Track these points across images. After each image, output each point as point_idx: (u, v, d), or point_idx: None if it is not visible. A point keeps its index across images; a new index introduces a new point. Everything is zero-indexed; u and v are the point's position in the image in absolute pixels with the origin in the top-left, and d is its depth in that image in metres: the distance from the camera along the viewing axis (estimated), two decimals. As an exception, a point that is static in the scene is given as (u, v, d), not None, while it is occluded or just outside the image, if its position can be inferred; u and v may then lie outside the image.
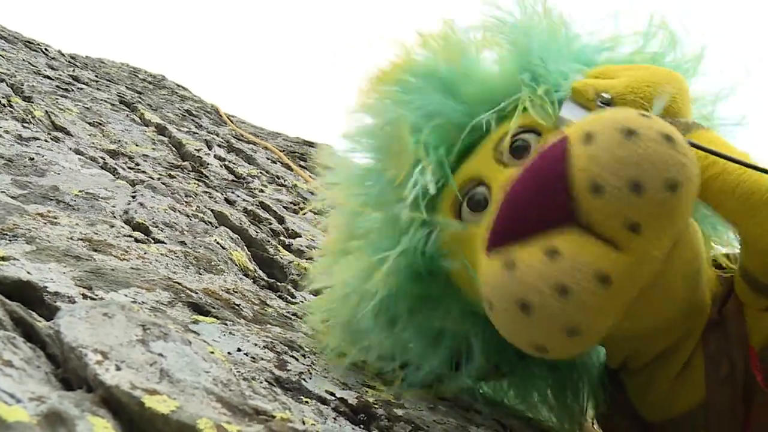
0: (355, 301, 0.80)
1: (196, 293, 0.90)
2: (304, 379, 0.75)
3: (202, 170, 1.97)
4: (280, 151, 2.85)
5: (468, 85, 0.77)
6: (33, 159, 1.33)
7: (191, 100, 3.65)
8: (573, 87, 0.74)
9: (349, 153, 0.85)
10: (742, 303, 0.72)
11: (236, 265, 1.21)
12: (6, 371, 0.47)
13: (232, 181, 2.03)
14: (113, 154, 1.76)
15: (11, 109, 1.74)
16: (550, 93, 0.74)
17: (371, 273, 0.77)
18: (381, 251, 0.77)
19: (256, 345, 0.79)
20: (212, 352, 0.64)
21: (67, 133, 1.78)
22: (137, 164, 1.73)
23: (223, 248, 1.24)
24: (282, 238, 1.60)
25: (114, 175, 1.48)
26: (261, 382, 0.68)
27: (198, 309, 0.85)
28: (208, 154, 2.26)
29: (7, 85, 2.03)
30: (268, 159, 2.65)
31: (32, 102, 1.96)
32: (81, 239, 0.97)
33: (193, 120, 3.01)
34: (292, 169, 2.55)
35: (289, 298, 1.17)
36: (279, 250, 1.45)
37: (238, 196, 1.80)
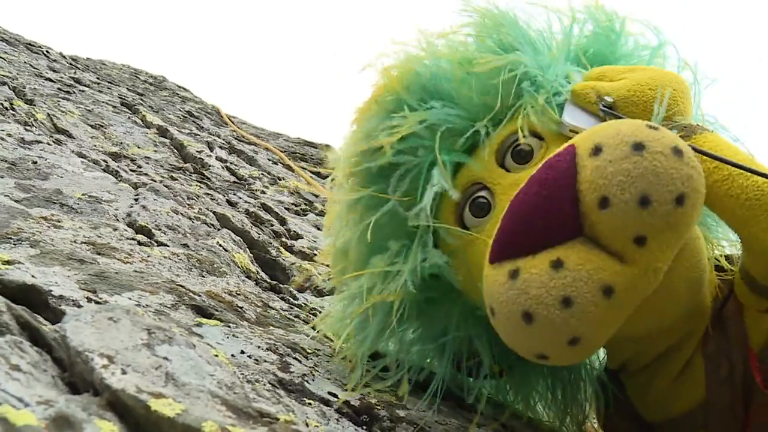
0: (361, 305, 0.81)
1: (200, 296, 0.91)
2: (306, 381, 0.76)
3: (204, 172, 1.98)
4: (281, 151, 2.85)
5: (468, 92, 0.77)
6: (36, 162, 1.34)
7: (192, 101, 3.66)
8: (573, 90, 0.74)
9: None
10: (742, 304, 0.72)
11: (239, 267, 1.21)
12: (14, 375, 0.48)
13: (234, 182, 2.03)
14: (115, 156, 1.76)
15: (13, 112, 1.74)
16: (551, 99, 0.74)
17: (378, 278, 0.78)
18: (388, 258, 0.77)
19: (259, 347, 0.80)
20: (216, 355, 0.64)
21: (70, 136, 1.78)
22: (139, 167, 1.74)
23: (226, 250, 1.25)
24: (284, 239, 1.61)
25: (116, 178, 1.48)
26: (264, 385, 0.69)
27: (201, 312, 0.86)
28: (210, 155, 2.27)
29: (9, 88, 2.04)
30: (269, 160, 2.65)
31: (34, 105, 1.97)
32: (84, 242, 0.97)
33: (194, 121, 3.02)
34: (293, 170, 2.55)
35: (292, 299, 1.18)
36: (281, 252, 1.46)
37: (239, 197, 1.81)
